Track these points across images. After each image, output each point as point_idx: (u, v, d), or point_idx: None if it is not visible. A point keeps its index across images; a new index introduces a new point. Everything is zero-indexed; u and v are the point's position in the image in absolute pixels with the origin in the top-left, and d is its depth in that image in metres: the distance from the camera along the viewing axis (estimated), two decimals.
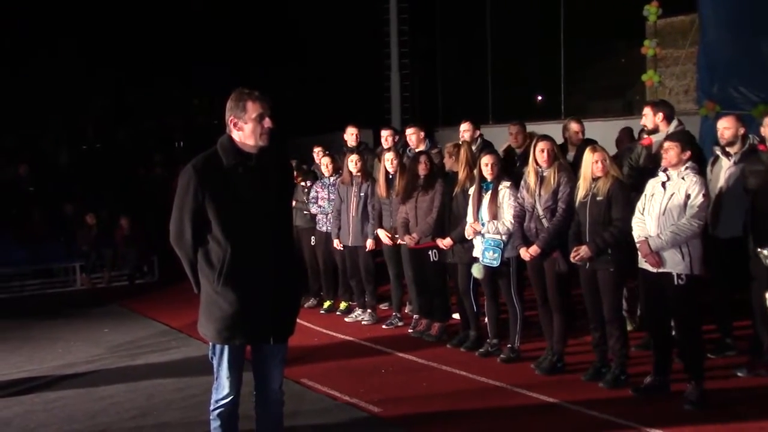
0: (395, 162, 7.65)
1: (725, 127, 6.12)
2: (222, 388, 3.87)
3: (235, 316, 3.76)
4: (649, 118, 6.46)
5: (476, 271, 6.55)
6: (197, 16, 18.54)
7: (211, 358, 3.89)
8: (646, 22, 12.95)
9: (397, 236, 7.59)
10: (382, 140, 8.49)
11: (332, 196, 8.47)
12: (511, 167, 7.16)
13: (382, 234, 7.77)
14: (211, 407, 3.92)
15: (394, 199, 7.64)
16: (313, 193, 8.72)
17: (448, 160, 7.09)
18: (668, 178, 5.34)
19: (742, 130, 6.11)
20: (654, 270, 5.33)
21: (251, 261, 3.75)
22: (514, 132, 7.74)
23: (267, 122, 3.78)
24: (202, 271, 3.82)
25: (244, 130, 3.78)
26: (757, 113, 9.41)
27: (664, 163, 5.40)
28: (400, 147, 8.45)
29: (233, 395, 3.88)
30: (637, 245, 5.40)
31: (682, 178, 5.28)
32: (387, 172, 7.73)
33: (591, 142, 7.57)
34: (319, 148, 9.36)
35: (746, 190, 5.85)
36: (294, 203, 8.98)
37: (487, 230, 6.40)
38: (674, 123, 6.44)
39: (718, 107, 10.83)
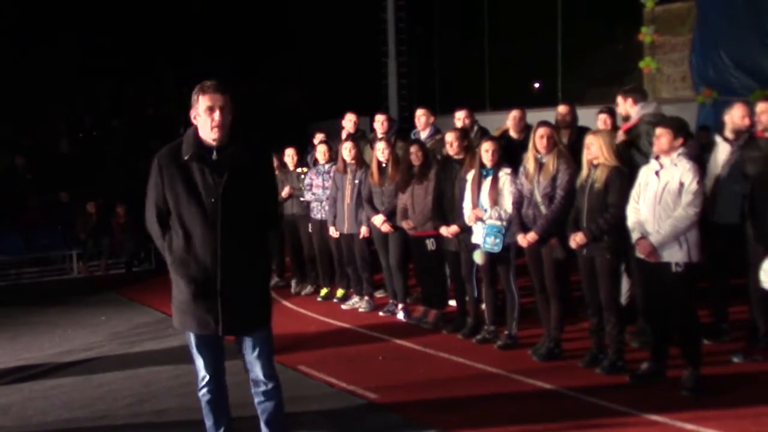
0: (386, 151, 7.62)
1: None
2: (198, 370, 4.02)
3: (184, 305, 3.89)
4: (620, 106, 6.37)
5: (478, 257, 6.54)
6: (193, 6, 18.47)
7: None
8: (644, 9, 12.89)
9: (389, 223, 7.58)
10: (378, 125, 8.38)
11: (326, 184, 8.44)
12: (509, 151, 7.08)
13: (379, 221, 7.61)
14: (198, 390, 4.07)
15: (386, 187, 7.61)
16: (307, 180, 8.69)
17: (458, 145, 6.85)
18: (661, 166, 5.29)
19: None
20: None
21: (199, 253, 3.80)
22: (517, 117, 7.70)
23: (217, 115, 3.69)
24: (167, 256, 3.93)
25: (199, 123, 3.77)
26: (754, 99, 9.41)
27: (655, 150, 5.35)
28: (393, 134, 8.38)
29: (208, 377, 4.00)
30: (635, 244, 5.37)
31: (675, 165, 5.23)
32: (379, 161, 7.70)
33: (584, 130, 7.56)
34: (321, 135, 9.32)
35: (744, 176, 5.85)
36: (291, 191, 8.98)
37: (490, 216, 6.38)
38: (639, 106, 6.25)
39: (715, 93, 10.82)
